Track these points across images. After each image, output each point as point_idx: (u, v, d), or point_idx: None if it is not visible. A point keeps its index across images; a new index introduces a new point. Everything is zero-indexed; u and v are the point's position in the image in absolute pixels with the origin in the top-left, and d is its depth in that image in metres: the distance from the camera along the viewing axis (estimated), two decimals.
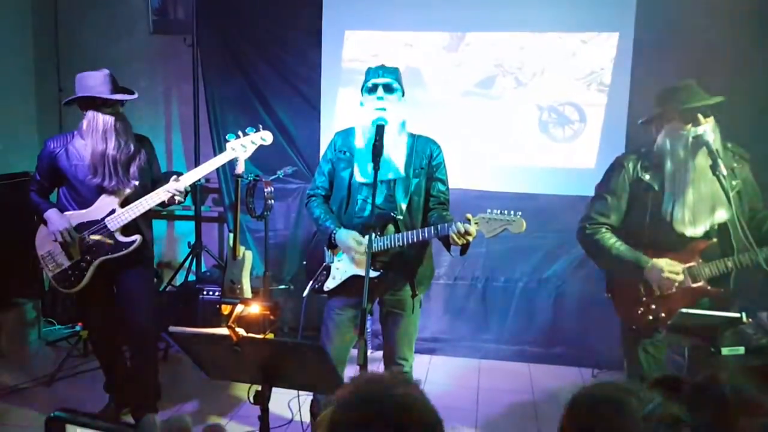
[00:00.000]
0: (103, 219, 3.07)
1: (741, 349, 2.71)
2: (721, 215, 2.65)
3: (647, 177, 2.74)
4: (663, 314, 2.70)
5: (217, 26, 4.53)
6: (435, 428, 1.15)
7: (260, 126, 3.13)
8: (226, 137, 3.11)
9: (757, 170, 2.82)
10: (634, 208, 2.77)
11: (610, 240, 2.76)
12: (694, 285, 2.69)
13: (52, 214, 3.09)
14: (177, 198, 3.05)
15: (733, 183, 2.65)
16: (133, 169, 3.07)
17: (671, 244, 2.70)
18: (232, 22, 4.51)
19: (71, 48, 4.92)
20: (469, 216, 2.55)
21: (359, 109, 2.77)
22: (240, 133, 3.08)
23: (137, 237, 3.10)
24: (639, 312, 2.73)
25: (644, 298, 2.72)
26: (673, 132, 2.69)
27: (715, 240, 2.69)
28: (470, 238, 2.52)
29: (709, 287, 2.69)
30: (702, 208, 2.65)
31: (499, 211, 2.55)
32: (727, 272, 2.67)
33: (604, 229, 2.79)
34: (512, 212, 2.55)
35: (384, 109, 2.65)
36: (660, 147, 2.73)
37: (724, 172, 2.57)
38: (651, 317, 2.71)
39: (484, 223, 2.54)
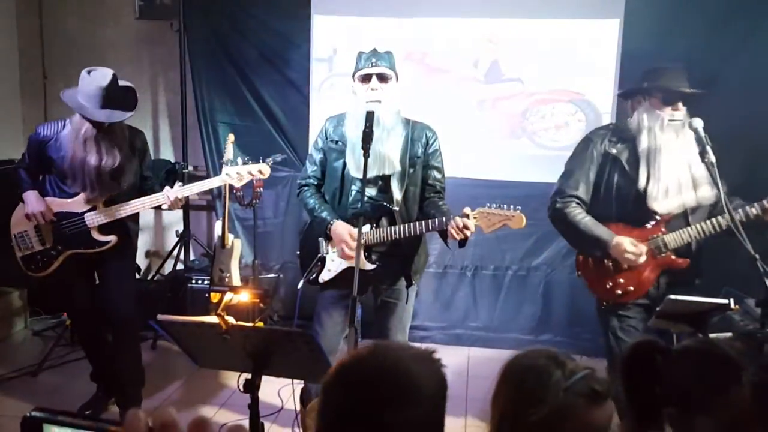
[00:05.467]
0: (82, 213, 3.04)
1: (728, 336, 2.74)
2: (690, 198, 2.67)
3: (614, 151, 2.76)
4: (632, 288, 2.71)
5: (205, 11, 4.46)
6: (432, 392, 1.14)
7: (261, 158, 3.06)
8: (224, 162, 3.05)
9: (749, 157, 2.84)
10: (603, 181, 2.79)
11: (579, 215, 2.76)
12: (660, 257, 2.69)
13: (30, 195, 3.05)
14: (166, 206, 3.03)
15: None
16: (122, 178, 3.00)
17: (640, 218, 2.70)
18: (219, 7, 4.45)
19: (56, 34, 4.83)
20: (467, 211, 2.47)
21: (352, 97, 2.70)
22: (239, 159, 3.04)
23: (112, 238, 3.07)
24: (608, 287, 2.74)
25: (613, 273, 2.72)
26: (651, 110, 2.71)
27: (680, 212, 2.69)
28: (468, 233, 2.47)
29: (673, 257, 2.69)
30: (674, 188, 2.66)
31: (497, 206, 2.48)
32: (690, 241, 2.67)
33: (574, 204, 2.78)
34: (512, 207, 2.48)
35: (379, 101, 2.58)
36: (636, 122, 2.75)
37: (713, 159, 2.57)
38: (620, 291, 2.72)
39: (483, 217, 2.48)
